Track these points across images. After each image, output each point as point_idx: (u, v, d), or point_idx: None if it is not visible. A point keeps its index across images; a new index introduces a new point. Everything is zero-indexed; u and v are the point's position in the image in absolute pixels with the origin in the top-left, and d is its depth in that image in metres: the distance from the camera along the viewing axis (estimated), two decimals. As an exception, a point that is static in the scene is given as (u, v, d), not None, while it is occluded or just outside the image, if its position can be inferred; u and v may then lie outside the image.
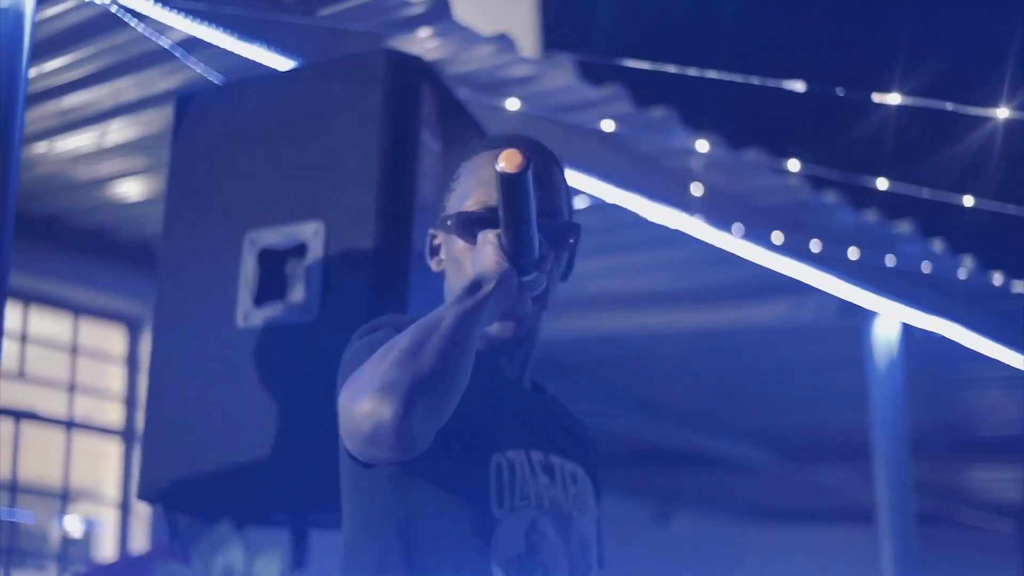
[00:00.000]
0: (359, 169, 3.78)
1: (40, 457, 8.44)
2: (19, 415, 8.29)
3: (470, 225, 2.53)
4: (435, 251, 2.68)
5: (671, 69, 4.83)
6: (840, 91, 4.86)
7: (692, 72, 4.80)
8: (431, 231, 2.70)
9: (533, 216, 2.34)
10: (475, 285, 2.34)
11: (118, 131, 6.54)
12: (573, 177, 6.08)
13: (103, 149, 6.75)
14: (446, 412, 2.25)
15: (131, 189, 7.36)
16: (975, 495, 14.45)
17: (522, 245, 2.36)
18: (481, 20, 5.60)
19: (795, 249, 6.98)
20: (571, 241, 2.59)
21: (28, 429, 8.32)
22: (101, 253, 8.11)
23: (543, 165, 2.55)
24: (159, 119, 6.23)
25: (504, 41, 5.47)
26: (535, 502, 2.49)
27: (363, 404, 2.18)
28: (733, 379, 10.33)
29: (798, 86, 4.92)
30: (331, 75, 4.14)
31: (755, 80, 4.83)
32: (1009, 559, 15.30)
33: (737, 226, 6.71)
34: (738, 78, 4.80)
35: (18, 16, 4.56)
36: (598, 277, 8.00)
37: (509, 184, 2.27)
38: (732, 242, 6.83)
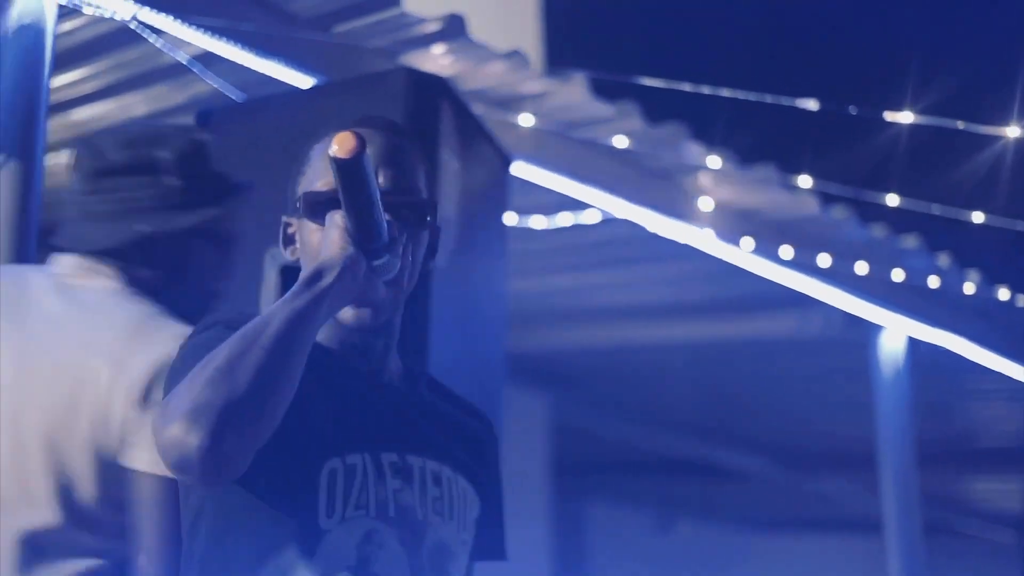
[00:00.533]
0: (379, 187, 3.82)
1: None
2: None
3: (318, 207, 2.34)
4: (289, 240, 2.48)
5: (685, 87, 4.88)
6: (852, 109, 4.91)
7: (706, 90, 4.83)
8: (284, 218, 2.50)
9: (376, 199, 2.21)
10: (314, 276, 2.19)
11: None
12: (584, 191, 6.16)
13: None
14: (266, 432, 2.08)
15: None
16: (977, 505, 14.52)
17: (367, 230, 2.23)
18: (486, 33, 5.67)
19: (803, 263, 7.04)
20: (428, 219, 2.41)
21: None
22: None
23: (394, 144, 2.44)
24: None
25: (518, 58, 5.52)
26: (376, 510, 2.29)
27: (169, 430, 2.01)
28: (739, 390, 10.42)
29: (811, 104, 4.97)
30: (350, 93, 4.19)
31: (768, 98, 4.87)
32: (1012, 569, 15.37)
33: (746, 240, 6.76)
34: (751, 96, 4.84)
35: (39, 32, 4.64)
36: (608, 289, 8.09)
37: (344, 169, 2.14)
38: (741, 256, 6.88)
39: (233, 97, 5.13)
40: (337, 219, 2.22)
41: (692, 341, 9.03)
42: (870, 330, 8.02)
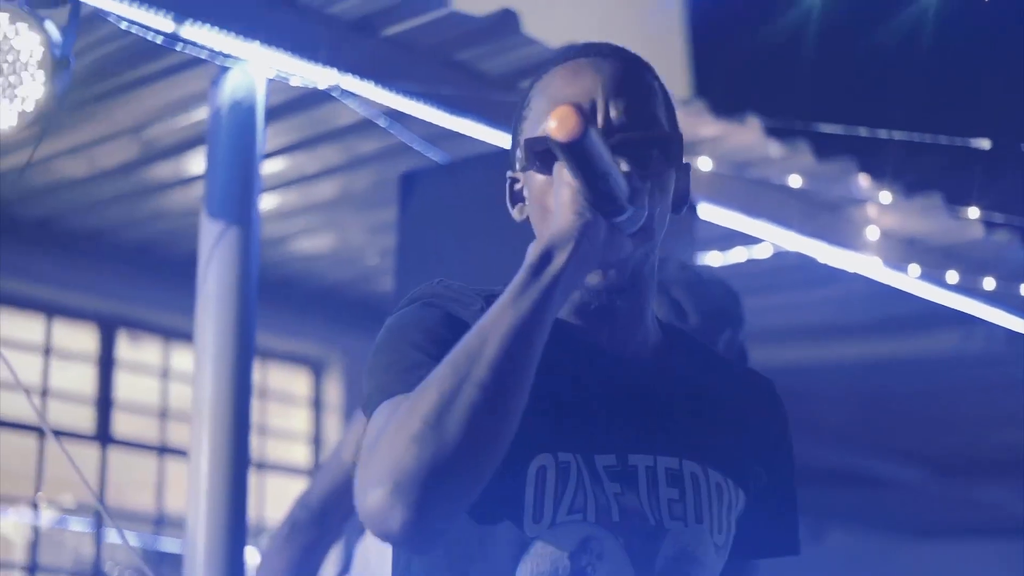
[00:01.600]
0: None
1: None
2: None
3: (545, 154, 2.00)
4: (516, 197, 2.14)
5: (862, 132, 5.11)
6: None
7: (881, 134, 5.06)
8: (509, 174, 2.15)
9: (611, 170, 1.88)
10: (543, 258, 1.86)
11: (305, 193, 6.97)
12: (758, 226, 6.42)
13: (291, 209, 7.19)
14: (483, 484, 1.82)
15: (315, 244, 7.78)
16: None
17: (604, 198, 1.91)
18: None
19: (968, 287, 7.22)
20: (674, 155, 2.05)
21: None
22: (287, 300, 8.47)
23: (628, 70, 2.08)
24: (356, 181, 6.67)
25: (694, 103, 5.80)
26: (595, 515, 1.95)
27: (371, 500, 1.77)
28: (901, 405, 10.55)
29: (984, 143, 5.18)
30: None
31: (943, 140, 5.08)
32: None
33: (913, 267, 6.96)
34: (926, 138, 5.05)
35: (251, 106, 4.99)
36: (778, 311, 8.29)
37: (566, 152, 1.84)
38: (908, 281, 7.07)
39: (433, 157, 5.44)
40: (567, 175, 1.90)
41: (856, 359, 9.21)
42: (1033, 344, 8.13)
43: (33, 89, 4.35)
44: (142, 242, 7.92)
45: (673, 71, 10.20)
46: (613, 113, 2.02)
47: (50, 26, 4.37)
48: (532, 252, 1.87)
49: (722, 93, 6.24)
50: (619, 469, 1.99)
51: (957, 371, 9.35)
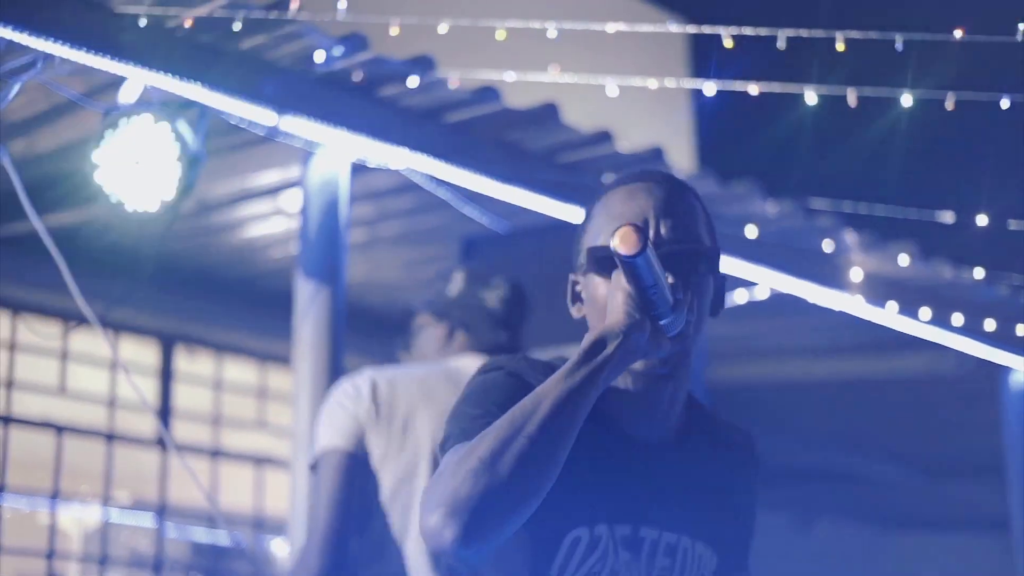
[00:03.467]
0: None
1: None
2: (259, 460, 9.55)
3: (604, 261, 2.25)
4: (576, 297, 2.38)
5: (847, 208, 5.95)
6: (981, 219, 5.98)
7: (862, 209, 5.91)
8: (571, 276, 2.40)
9: (663, 285, 2.13)
10: (596, 345, 2.12)
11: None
12: (756, 272, 7.27)
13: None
14: (525, 516, 2.07)
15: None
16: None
17: (654, 307, 2.16)
18: (640, 134, 6.62)
19: (941, 320, 7.96)
20: (712, 267, 2.32)
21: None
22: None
23: (674, 193, 2.33)
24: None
25: (698, 177, 6.65)
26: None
27: (430, 519, 2.02)
28: (880, 412, 11.24)
29: (948, 216, 6.06)
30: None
31: (913, 214, 5.94)
32: None
33: (891, 304, 7.76)
34: (898, 213, 5.89)
35: (336, 185, 5.77)
36: (775, 334, 9.13)
37: (627, 265, 2.10)
38: (886, 316, 7.86)
39: (494, 228, 6.23)
40: (623, 282, 2.15)
41: (843, 375, 9.95)
42: (998, 368, 8.83)
43: (171, 179, 5.17)
44: (199, 270, 8.62)
45: (683, 153, 11.02)
46: (663, 230, 2.27)
47: (183, 126, 5.18)
48: (587, 340, 2.12)
49: (726, 166, 7.02)
50: (631, 539, 2.30)
51: (933, 387, 10.01)
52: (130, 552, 10.17)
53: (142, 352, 9.13)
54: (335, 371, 5.58)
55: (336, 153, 5.76)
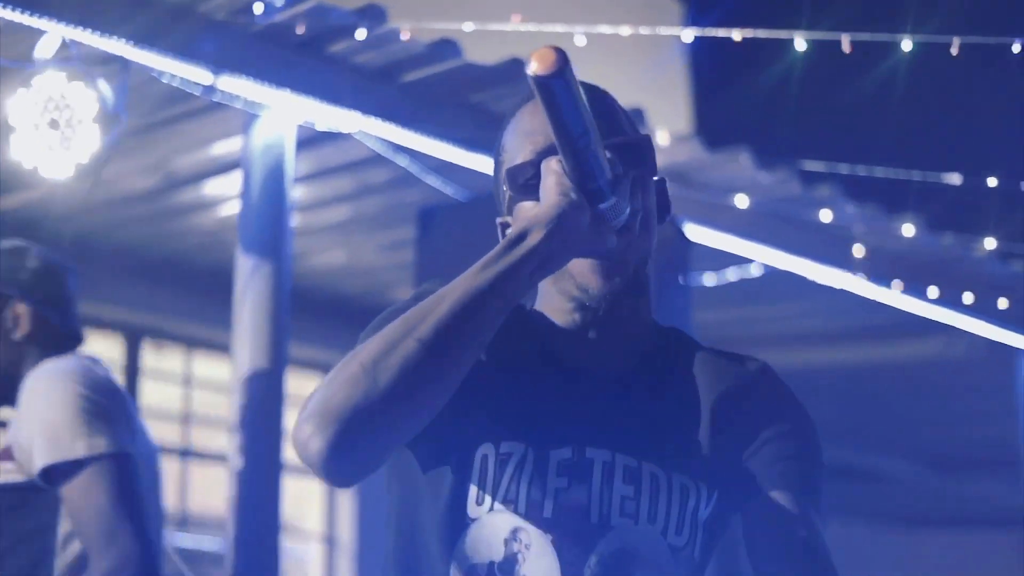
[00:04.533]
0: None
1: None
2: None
3: (528, 182, 1.98)
4: None
5: (843, 170, 5.50)
6: (992, 181, 5.50)
7: (860, 170, 5.45)
8: (498, 220, 2.10)
9: (591, 125, 1.82)
10: (519, 236, 1.83)
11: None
12: (749, 248, 6.79)
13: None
14: (407, 433, 1.88)
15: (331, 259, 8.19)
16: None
17: (588, 163, 1.85)
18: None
19: (950, 300, 7.61)
20: (650, 159, 2.02)
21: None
22: (303, 310, 8.82)
23: (594, 96, 2.02)
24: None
25: (691, 140, 6.21)
26: (525, 508, 1.99)
27: (300, 429, 1.82)
28: (888, 403, 10.87)
29: (955, 178, 5.58)
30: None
31: (916, 175, 5.47)
32: None
33: (896, 282, 7.34)
34: (901, 174, 5.44)
35: (281, 150, 5.36)
36: (775, 321, 8.67)
37: (546, 88, 1.76)
38: (891, 295, 7.46)
39: (451, 193, 5.81)
40: (552, 164, 1.88)
41: (848, 363, 9.63)
42: (1012, 351, 8.51)
43: (88, 142, 4.75)
44: (165, 258, 8.32)
45: (677, 110, 10.57)
46: None
47: (103, 84, 4.77)
48: (512, 230, 1.87)
49: (720, 130, 6.60)
50: (573, 461, 2.00)
51: (943, 374, 9.72)
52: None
53: (106, 347, 8.82)
54: (277, 356, 5.17)
55: (281, 116, 5.30)
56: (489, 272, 1.81)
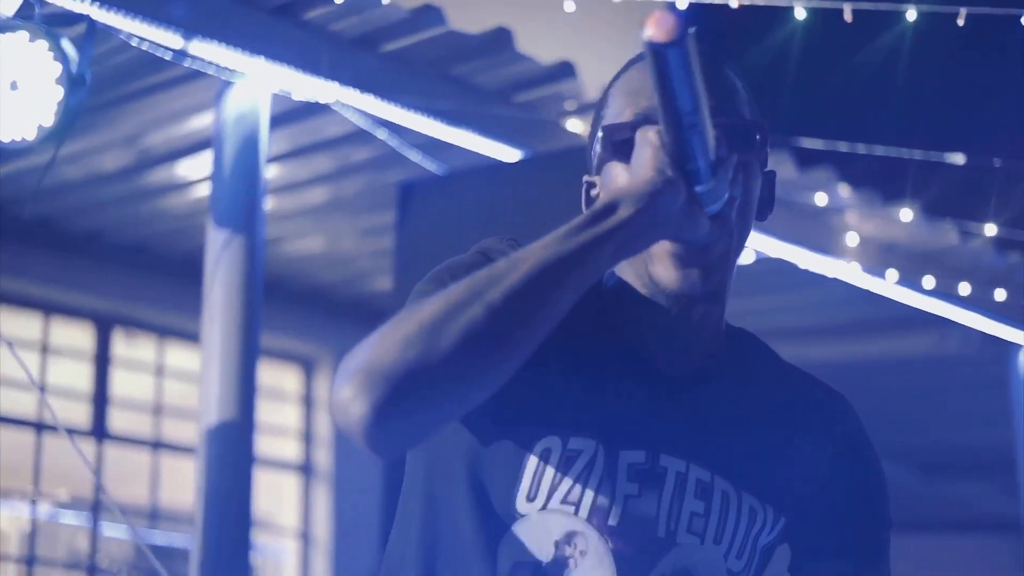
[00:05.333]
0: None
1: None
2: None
3: (624, 144, 1.80)
4: (591, 202, 1.93)
5: (843, 148, 5.29)
6: (997, 161, 5.30)
7: (860, 148, 5.25)
8: (585, 178, 1.95)
9: (702, 100, 1.65)
10: (607, 208, 1.66)
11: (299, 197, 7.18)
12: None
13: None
14: (462, 408, 1.70)
15: (308, 245, 7.98)
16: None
17: (690, 140, 1.68)
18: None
19: (945, 291, 7.41)
20: (763, 145, 1.86)
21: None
22: (278, 299, 8.65)
23: (712, 62, 1.86)
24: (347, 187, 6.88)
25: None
26: (587, 513, 1.83)
27: (341, 390, 1.63)
28: (877, 402, 10.68)
29: (958, 158, 5.37)
30: (549, 167, 4.62)
31: (918, 155, 5.27)
32: None
33: (891, 272, 7.13)
34: (903, 153, 5.24)
35: (256, 119, 5.16)
36: (762, 314, 8.45)
37: (663, 58, 1.60)
38: (886, 286, 7.25)
39: (429, 167, 5.61)
40: (651, 135, 1.70)
41: (837, 360, 9.34)
42: (1007, 347, 8.34)
43: (51, 104, 4.53)
44: (138, 243, 8.07)
45: None
46: None
47: (67, 44, 4.55)
48: (600, 201, 1.71)
49: None
50: (646, 468, 1.85)
51: (934, 372, 9.54)
52: (69, 552, 9.60)
53: (76, 335, 8.68)
54: (249, 343, 4.96)
55: (255, 85, 5.10)
56: (571, 243, 1.63)
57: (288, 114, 5.79)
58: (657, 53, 1.58)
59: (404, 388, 1.59)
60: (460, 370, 1.61)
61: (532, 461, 1.81)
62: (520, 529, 1.82)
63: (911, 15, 4.51)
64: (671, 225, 1.69)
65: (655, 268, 1.81)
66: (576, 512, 1.82)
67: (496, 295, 1.61)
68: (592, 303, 1.83)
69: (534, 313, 1.63)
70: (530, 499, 1.82)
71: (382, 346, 1.61)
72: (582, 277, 1.65)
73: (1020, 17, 4.48)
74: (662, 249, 1.78)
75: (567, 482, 1.81)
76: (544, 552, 1.82)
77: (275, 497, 9.30)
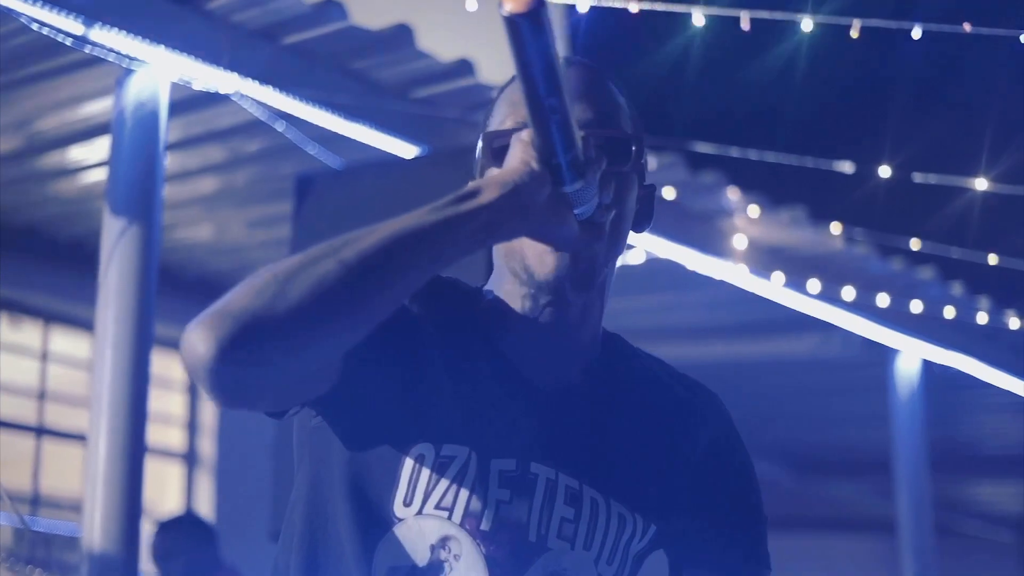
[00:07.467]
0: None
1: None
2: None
3: (503, 150, 1.81)
4: None
5: (734, 153, 5.39)
6: (884, 171, 5.42)
7: (751, 155, 5.34)
8: (470, 184, 1.84)
9: (563, 83, 1.66)
10: (468, 192, 1.71)
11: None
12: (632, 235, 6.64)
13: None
14: (301, 363, 1.67)
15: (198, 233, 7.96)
16: (978, 507, 14.94)
17: (551, 132, 1.69)
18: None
19: (829, 295, 7.54)
20: (637, 158, 1.89)
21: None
22: (166, 286, 8.61)
23: (592, 75, 1.94)
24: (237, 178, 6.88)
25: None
26: (461, 518, 1.87)
27: (192, 328, 1.61)
28: (757, 402, 10.84)
29: (846, 166, 5.49)
30: (447, 163, 4.64)
31: (809, 163, 5.38)
32: (1009, 567, 15.82)
33: (777, 274, 7.25)
34: (793, 160, 5.34)
35: (155, 108, 5.15)
36: (650, 313, 8.54)
37: (517, 30, 1.59)
38: (772, 288, 7.37)
39: (330, 163, 5.63)
40: (523, 135, 1.75)
41: (720, 359, 9.52)
42: (886, 351, 8.51)
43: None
44: (26, 227, 8.01)
45: None
46: (578, 112, 1.83)
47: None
48: (466, 187, 1.74)
49: None
50: (517, 475, 1.90)
51: (815, 374, 9.73)
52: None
53: None
54: (143, 324, 4.95)
55: (155, 73, 5.09)
56: (431, 217, 1.66)
57: (183, 103, 5.75)
58: (512, 22, 1.58)
59: (249, 330, 1.59)
60: (305, 321, 1.62)
61: (408, 466, 1.85)
62: (397, 533, 1.86)
63: (807, 25, 4.60)
64: (534, 217, 1.73)
65: (530, 260, 1.84)
66: (450, 517, 1.86)
67: (350, 254, 1.63)
68: (469, 317, 1.91)
69: (385, 278, 1.65)
70: (407, 503, 1.85)
71: (236, 292, 1.62)
72: (438, 252, 1.68)
73: (911, 30, 4.58)
74: (536, 247, 1.83)
75: (441, 487, 1.85)
76: (420, 556, 1.86)
77: (159, 485, 9.25)
